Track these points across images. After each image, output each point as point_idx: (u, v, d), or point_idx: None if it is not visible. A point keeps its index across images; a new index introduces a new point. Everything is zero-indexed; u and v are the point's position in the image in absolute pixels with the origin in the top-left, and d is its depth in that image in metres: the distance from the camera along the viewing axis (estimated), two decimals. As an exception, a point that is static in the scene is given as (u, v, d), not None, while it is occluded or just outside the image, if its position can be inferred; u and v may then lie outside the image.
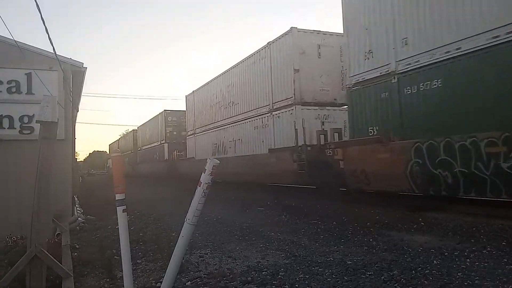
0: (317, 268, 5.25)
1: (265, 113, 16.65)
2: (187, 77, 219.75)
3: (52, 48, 7.17)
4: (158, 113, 34.41)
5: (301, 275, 4.93)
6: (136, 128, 45.57)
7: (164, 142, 32.32)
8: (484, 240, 6.44)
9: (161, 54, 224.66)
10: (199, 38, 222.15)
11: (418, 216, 8.68)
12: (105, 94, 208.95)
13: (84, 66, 10.87)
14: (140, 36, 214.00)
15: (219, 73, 22.39)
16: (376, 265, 5.25)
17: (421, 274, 4.77)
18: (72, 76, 10.45)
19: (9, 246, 7.06)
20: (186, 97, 28.95)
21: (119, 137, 63.01)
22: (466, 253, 5.65)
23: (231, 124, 20.16)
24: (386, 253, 5.92)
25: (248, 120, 18.32)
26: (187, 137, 28.17)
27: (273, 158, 15.45)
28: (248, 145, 18.30)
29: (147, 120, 39.17)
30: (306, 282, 4.66)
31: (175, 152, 29.29)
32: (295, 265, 5.43)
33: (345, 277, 4.77)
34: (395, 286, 4.35)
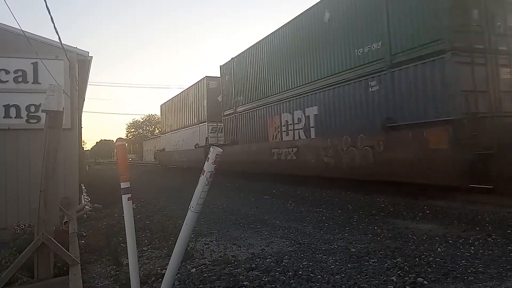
0: (321, 255, 5.28)
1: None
2: (195, 64, 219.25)
3: (58, 37, 7.22)
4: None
5: (305, 262, 4.97)
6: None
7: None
8: (490, 228, 6.43)
9: (169, 42, 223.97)
10: (208, 24, 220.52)
11: (424, 204, 8.69)
12: (111, 83, 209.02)
13: (89, 55, 10.91)
14: (147, 24, 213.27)
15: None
16: (380, 252, 5.27)
17: (424, 261, 4.79)
18: (78, 65, 10.49)
19: (18, 233, 7.17)
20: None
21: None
22: (470, 241, 5.65)
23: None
24: (391, 240, 5.94)
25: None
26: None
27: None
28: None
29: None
30: (310, 269, 4.69)
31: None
32: (299, 253, 5.46)
33: (348, 265, 4.80)
34: (398, 273, 4.37)
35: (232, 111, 20.49)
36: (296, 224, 7.51)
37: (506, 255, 4.89)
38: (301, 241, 6.13)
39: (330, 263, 4.92)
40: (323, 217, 8.11)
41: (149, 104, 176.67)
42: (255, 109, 18.04)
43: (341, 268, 4.69)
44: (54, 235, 5.39)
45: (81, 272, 4.95)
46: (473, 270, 4.40)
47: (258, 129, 17.79)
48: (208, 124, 23.66)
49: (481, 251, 5.16)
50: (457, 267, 4.53)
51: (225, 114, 21.50)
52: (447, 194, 9.19)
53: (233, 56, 20.50)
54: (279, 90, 15.87)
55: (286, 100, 15.37)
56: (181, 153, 28.90)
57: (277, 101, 15.99)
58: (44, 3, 5.67)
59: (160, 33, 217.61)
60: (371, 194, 10.50)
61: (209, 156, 3.42)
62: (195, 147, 25.04)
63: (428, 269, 4.49)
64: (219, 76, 22.91)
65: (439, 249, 5.33)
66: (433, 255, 5.01)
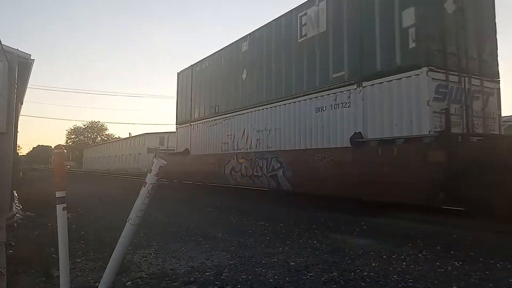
0: (261, 269, 5.30)
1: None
2: (149, 69, 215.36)
3: (-3, 37, 6.85)
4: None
5: (244, 276, 4.97)
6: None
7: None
8: (421, 244, 6.75)
9: (116, 47, 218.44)
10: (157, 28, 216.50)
11: (361, 220, 8.99)
12: (53, 87, 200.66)
13: (31, 58, 10.44)
14: (93, 26, 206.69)
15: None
16: (318, 266, 5.38)
17: (359, 276, 4.94)
18: (18, 67, 9.99)
19: None
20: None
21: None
22: (403, 257, 5.90)
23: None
24: (328, 255, 6.09)
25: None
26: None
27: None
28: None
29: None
30: (249, 283, 4.70)
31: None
32: (239, 266, 5.46)
33: (286, 278, 4.86)
34: (334, 287, 4.48)
35: None
36: (238, 237, 7.50)
37: (435, 271, 5.16)
38: (241, 254, 6.13)
39: (269, 276, 4.96)
40: (265, 231, 8.17)
41: (92, 111, 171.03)
42: None
43: (280, 281, 4.74)
44: (-22, 244, 5.05)
45: (7, 284, 4.65)
46: (404, 285, 4.60)
47: None
48: (429, 74, 9.17)
49: (412, 266, 5.40)
50: (389, 281, 4.72)
51: None
52: (385, 211, 9.58)
53: None
54: None
55: None
56: (268, 157, 13.69)
57: None
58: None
59: (105, 37, 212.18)
60: (313, 210, 10.71)
61: (151, 167, 3.37)
62: (353, 142, 10.81)
63: (362, 283, 4.65)
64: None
65: (373, 264, 5.53)
66: (367, 270, 5.19)
